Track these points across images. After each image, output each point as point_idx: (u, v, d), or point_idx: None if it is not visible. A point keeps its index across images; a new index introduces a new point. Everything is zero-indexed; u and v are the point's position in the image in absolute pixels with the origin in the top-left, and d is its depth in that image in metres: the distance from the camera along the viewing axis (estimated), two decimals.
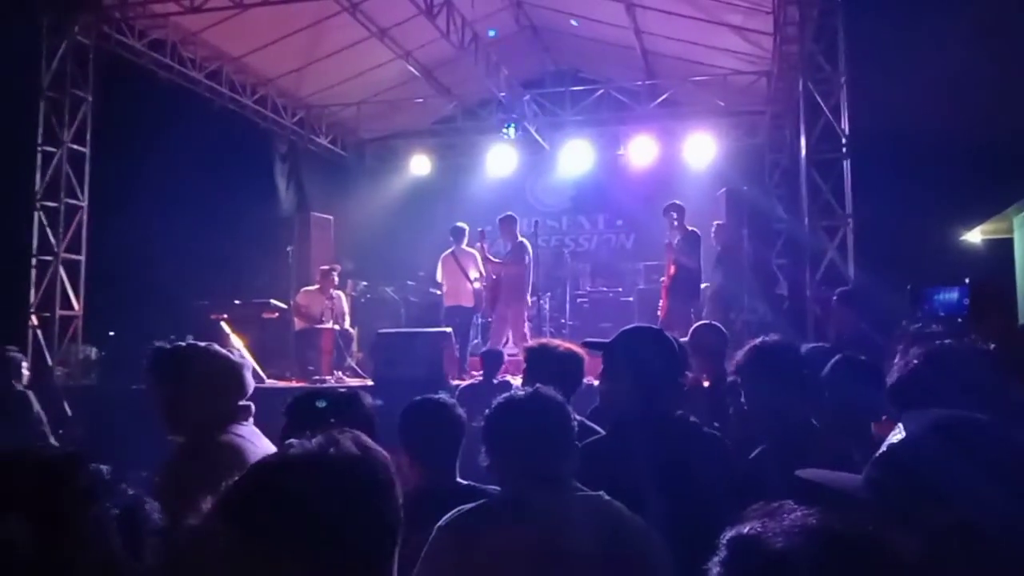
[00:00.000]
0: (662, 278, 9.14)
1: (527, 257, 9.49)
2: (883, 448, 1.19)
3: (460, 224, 10.09)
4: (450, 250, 10.00)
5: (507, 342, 9.23)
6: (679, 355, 2.66)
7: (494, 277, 9.50)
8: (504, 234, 9.71)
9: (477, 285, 9.65)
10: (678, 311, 8.43)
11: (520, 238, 9.63)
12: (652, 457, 2.28)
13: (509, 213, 9.81)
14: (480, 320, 10.53)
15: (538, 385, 2.10)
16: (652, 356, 2.53)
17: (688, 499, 2.15)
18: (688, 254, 8.66)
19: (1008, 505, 1.04)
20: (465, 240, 9.95)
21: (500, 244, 10.12)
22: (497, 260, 9.67)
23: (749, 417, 2.71)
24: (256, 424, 2.54)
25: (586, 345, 3.00)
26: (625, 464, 2.30)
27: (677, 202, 9.10)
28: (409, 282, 12.00)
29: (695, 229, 8.90)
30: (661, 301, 8.91)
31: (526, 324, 9.67)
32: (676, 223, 8.78)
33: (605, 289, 11.80)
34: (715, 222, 9.63)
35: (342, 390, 2.15)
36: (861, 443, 2.61)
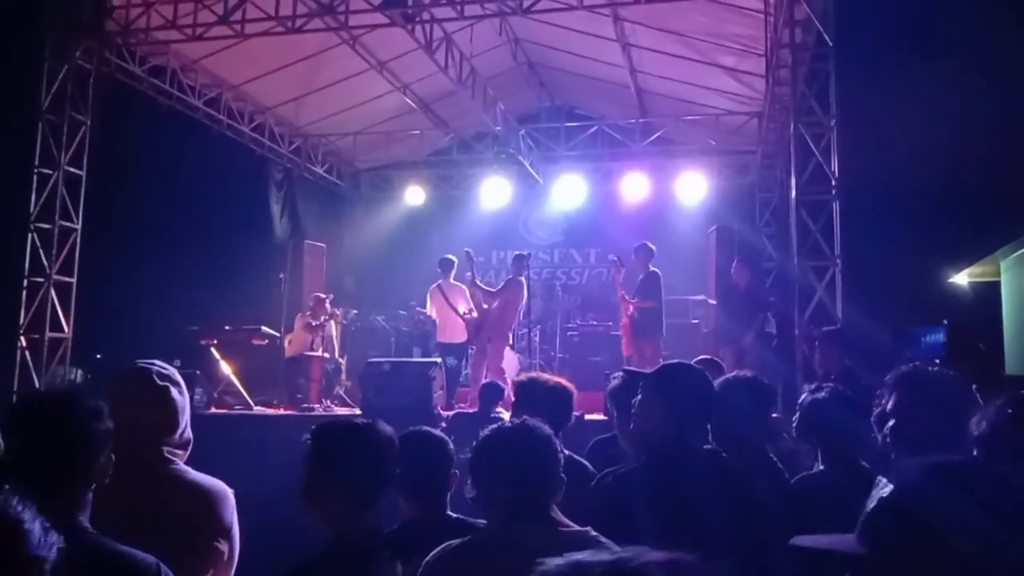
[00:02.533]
0: (621, 322, 9.61)
1: (522, 296, 9.48)
2: (874, 502, 1.19)
3: (449, 256, 10.08)
4: (437, 283, 9.98)
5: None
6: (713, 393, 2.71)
7: (484, 307, 9.47)
8: (514, 269, 9.74)
9: (473, 314, 9.62)
10: (649, 349, 8.90)
11: (520, 277, 9.64)
12: (687, 489, 2.34)
13: (521, 252, 9.89)
14: (472, 351, 10.51)
15: (525, 417, 2.11)
16: (691, 391, 2.58)
17: (717, 535, 2.18)
18: (649, 296, 9.12)
19: (1008, 547, 1.05)
20: (453, 273, 9.93)
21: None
22: (488, 288, 9.66)
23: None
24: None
25: (627, 372, 3.05)
26: (658, 496, 2.35)
27: (646, 244, 9.45)
28: (400, 311, 12.03)
29: (656, 270, 9.30)
30: (624, 340, 9.37)
31: (505, 361, 9.69)
32: (620, 268, 9.46)
33: (595, 323, 11.82)
34: (735, 260, 9.77)
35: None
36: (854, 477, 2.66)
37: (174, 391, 2.36)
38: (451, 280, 9.89)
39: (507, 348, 11.01)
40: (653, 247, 9.43)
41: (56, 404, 1.91)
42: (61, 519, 1.78)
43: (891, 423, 2.11)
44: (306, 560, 2.02)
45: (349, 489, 2.06)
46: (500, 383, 7.31)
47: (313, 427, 2.13)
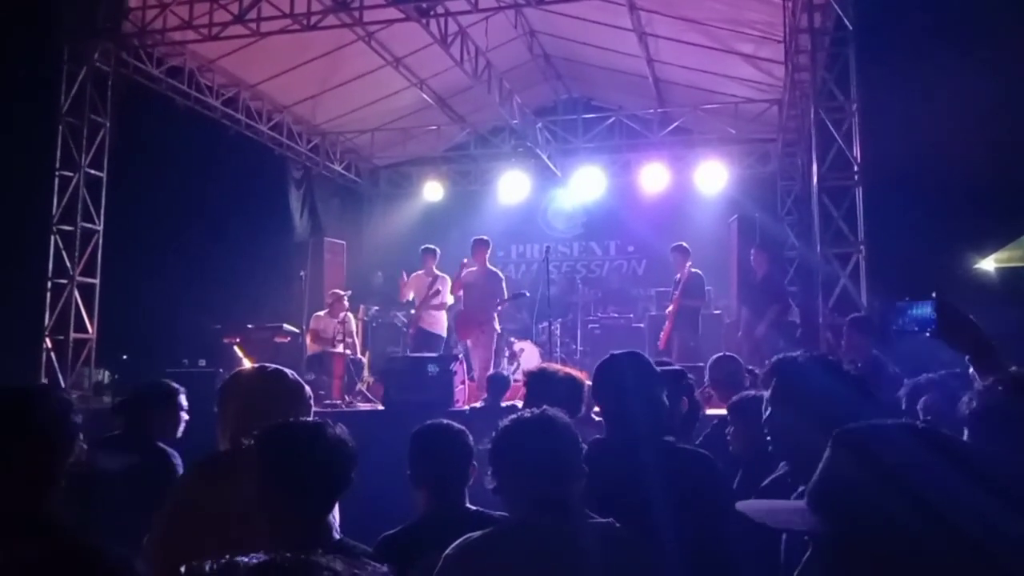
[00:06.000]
0: (668, 310, 9.75)
1: (504, 289, 9.39)
2: (820, 467, 1.16)
3: (430, 245, 10.04)
4: (422, 271, 9.87)
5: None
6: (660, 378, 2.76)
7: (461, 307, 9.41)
8: (476, 259, 9.44)
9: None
10: (680, 343, 9.10)
11: (492, 267, 9.53)
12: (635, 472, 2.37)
13: (483, 237, 9.60)
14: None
15: (545, 407, 2.08)
16: (630, 382, 2.66)
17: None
18: (690, 296, 9.33)
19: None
20: (435, 262, 9.85)
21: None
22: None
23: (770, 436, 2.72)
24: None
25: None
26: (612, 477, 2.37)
27: (682, 244, 9.59)
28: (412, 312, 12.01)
29: (698, 271, 9.47)
30: (663, 331, 9.50)
31: (526, 354, 9.63)
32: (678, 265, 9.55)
33: (616, 315, 11.77)
34: (753, 248, 9.74)
35: None
36: None
37: None
38: (434, 268, 9.82)
39: (528, 341, 11.00)
40: (687, 246, 9.57)
41: (30, 399, 1.92)
42: (33, 513, 1.80)
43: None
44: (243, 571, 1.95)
45: (296, 496, 1.97)
46: (506, 374, 7.27)
47: (256, 432, 2.07)
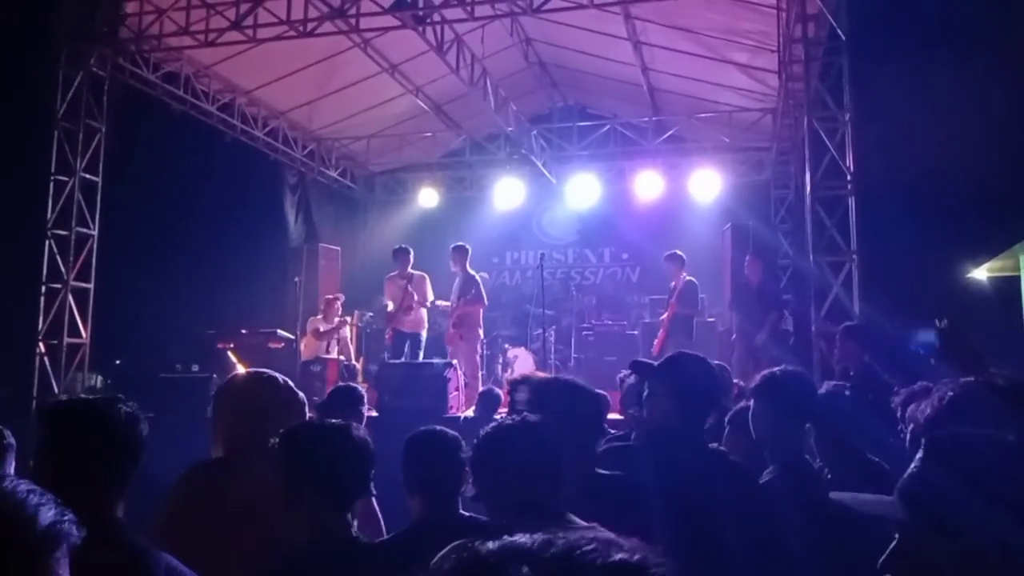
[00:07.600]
0: (661, 316, 9.89)
1: (481, 292, 9.49)
2: (912, 467, 1.21)
3: (403, 246, 10.11)
4: (395, 273, 9.92)
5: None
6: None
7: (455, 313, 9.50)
8: (456, 265, 9.64)
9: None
10: (674, 351, 8.91)
11: (471, 271, 9.63)
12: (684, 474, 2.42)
13: (461, 243, 9.79)
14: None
15: (525, 413, 2.10)
16: (693, 379, 2.66)
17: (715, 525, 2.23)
18: (685, 304, 9.50)
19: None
20: (410, 263, 9.88)
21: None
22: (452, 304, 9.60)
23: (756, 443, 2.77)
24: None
25: (635, 364, 3.20)
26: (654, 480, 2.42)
27: (676, 252, 9.70)
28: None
29: (692, 279, 9.57)
30: (657, 338, 9.60)
31: (520, 361, 9.64)
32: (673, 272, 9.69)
33: (610, 322, 11.79)
34: (748, 255, 9.79)
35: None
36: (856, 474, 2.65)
37: None
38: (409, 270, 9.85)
39: (522, 348, 11.01)
40: (682, 254, 9.67)
41: (103, 411, 2.00)
42: (99, 519, 1.84)
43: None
44: (283, 564, 2.02)
45: (323, 493, 2.07)
46: (498, 392, 7.26)
47: (282, 431, 2.14)
